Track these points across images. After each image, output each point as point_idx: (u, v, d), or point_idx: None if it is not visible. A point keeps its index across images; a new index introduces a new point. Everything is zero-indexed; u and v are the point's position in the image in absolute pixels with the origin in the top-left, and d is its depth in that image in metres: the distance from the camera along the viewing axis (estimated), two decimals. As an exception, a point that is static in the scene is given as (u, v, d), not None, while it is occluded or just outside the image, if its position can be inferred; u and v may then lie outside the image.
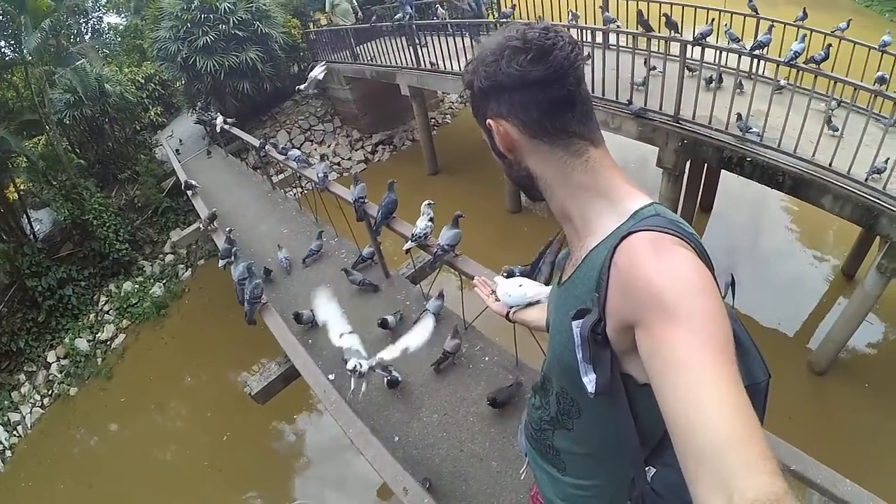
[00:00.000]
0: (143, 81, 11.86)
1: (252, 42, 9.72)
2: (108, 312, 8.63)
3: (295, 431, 6.35)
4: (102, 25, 13.85)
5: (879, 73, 5.17)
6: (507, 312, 1.53)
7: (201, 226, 5.98)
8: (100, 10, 13.86)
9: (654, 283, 0.70)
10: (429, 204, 3.34)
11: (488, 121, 0.88)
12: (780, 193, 5.35)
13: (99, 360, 8.01)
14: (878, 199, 4.32)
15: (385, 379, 3.45)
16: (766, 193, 7.22)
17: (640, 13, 5.90)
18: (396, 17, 8.47)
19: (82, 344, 8.12)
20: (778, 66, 4.83)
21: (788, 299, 6.37)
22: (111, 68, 11.62)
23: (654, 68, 5.80)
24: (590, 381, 0.83)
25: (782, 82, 4.98)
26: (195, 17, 9.24)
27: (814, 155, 4.62)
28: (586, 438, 1.05)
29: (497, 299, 1.58)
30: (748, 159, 4.98)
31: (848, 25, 5.72)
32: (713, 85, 5.48)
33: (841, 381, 5.38)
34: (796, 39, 4.94)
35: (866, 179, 4.38)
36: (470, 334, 3.85)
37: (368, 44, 9.43)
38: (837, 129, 4.70)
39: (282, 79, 10.77)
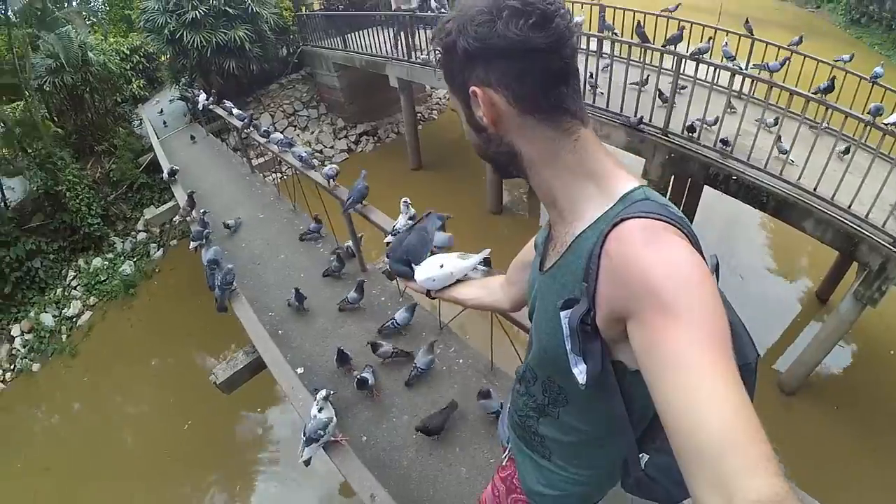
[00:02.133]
0: (127, 53, 11.53)
1: (242, 20, 9.51)
2: (75, 288, 8.34)
3: (260, 422, 6.16)
4: (91, -9, 13.41)
5: (875, 105, 5.18)
6: (428, 291, 1.41)
7: (179, 216, 5.85)
8: (90, -25, 13.41)
9: (650, 275, 0.66)
10: (405, 202, 3.26)
11: (472, 88, 0.77)
12: (757, 213, 5.36)
13: (64, 336, 7.73)
14: (860, 226, 4.35)
15: (354, 378, 3.37)
16: (744, 212, 7.29)
17: (638, 24, 5.90)
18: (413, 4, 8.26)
19: (48, 319, 7.81)
20: (788, 93, 4.78)
21: (760, 318, 6.38)
22: (96, 37, 11.25)
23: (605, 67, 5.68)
24: (580, 373, 0.79)
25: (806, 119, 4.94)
26: (185, -10, 8.96)
27: (799, 179, 4.65)
28: (573, 426, 1.01)
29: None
30: (734, 178, 4.99)
31: (851, 59, 5.76)
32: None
33: (810, 403, 5.43)
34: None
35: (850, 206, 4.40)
36: (445, 335, 3.78)
37: (360, 32, 9.29)
38: (787, 152, 4.75)
39: (269, 60, 10.55)
